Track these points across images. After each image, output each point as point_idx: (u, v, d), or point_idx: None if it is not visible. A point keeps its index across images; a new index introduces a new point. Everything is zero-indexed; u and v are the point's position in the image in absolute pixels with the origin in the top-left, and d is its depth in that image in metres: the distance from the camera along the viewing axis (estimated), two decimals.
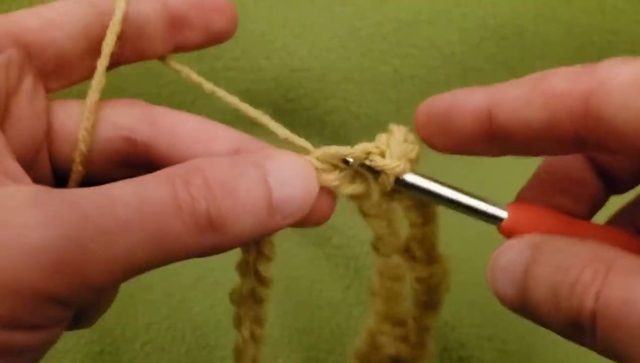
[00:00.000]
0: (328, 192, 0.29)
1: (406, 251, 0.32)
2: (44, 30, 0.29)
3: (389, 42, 0.55)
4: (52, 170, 0.30)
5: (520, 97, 0.26)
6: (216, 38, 0.32)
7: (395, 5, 0.55)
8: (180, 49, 0.32)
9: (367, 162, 0.29)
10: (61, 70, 0.30)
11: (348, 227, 0.50)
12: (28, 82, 0.29)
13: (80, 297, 0.24)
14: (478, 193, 0.29)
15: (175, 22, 0.31)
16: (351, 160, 0.29)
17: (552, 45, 0.57)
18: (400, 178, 0.29)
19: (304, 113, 0.55)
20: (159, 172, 0.26)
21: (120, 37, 0.30)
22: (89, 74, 0.30)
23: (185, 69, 0.32)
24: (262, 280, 0.31)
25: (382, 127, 0.30)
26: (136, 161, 0.30)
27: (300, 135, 0.30)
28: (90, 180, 0.30)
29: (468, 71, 0.56)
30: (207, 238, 0.25)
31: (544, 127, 0.25)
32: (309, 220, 0.28)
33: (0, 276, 0.22)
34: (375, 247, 0.31)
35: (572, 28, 0.56)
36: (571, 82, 0.25)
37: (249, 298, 0.31)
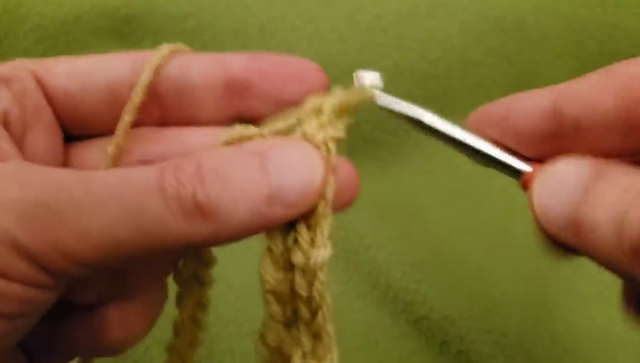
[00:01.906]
0: (350, 175, 0.28)
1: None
2: (63, 77, 0.29)
3: (389, 35, 0.55)
4: None
5: (592, 88, 0.25)
6: (286, 103, 0.29)
7: None
8: (246, 117, 0.30)
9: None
10: (83, 122, 0.30)
11: (347, 222, 0.50)
12: (45, 118, 0.29)
13: (58, 263, 0.23)
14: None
15: (235, 90, 0.29)
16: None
17: (553, 39, 0.56)
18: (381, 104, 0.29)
19: None
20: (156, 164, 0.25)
21: (159, 101, 0.29)
22: (111, 131, 0.30)
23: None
24: (205, 261, 0.30)
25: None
26: None
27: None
28: None
29: (468, 64, 0.56)
30: (198, 227, 0.24)
31: (619, 115, 0.24)
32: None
33: None
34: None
35: (573, 21, 0.56)
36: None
37: (192, 279, 0.31)
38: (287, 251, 0.28)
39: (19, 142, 0.28)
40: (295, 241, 0.27)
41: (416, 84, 0.55)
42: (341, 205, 0.28)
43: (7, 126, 0.28)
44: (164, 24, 0.52)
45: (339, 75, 0.55)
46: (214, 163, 0.25)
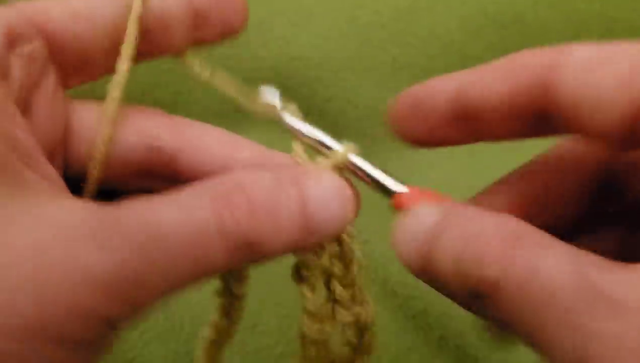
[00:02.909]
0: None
1: (328, 290, 0.30)
2: (70, 23, 0.28)
3: (388, 31, 0.55)
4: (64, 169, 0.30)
5: (487, 73, 0.26)
6: (229, 34, 0.31)
7: None
8: (196, 44, 0.31)
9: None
10: (83, 66, 0.29)
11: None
12: (50, 78, 0.28)
13: (127, 319, 0.24)
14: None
15: (198, 19, 0.30)
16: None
17: (552, 33, 0.56)
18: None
19: (302, 102, 0.55)
20: (200, 189, 0.25)
21: (145, 34, 0.29)
22: (108, 70, 0.29)
23: (199, 66, 0.31)
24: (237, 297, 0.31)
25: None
26: (156, 170, 0.29)
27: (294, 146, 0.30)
28: (104, 185, 0.30)
29: (467, 59, 0.56)
30: (241, 257, 0.25)
31: (506, 101, 0.26)
32: None
33: (61, 298, 0.22)
34: (298, 272, 0.29)
35: (572, 15, 0.56)
36: (533, 57, 0.26)
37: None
38: (324, 305, 0.29)
39: (24, 111, 0.27)
40: (334, 300, 0.29)
41: (415, 79, 0.55)
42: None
43: (18, 100, 0.27)
44: None
45: (338, 70, 0.55)
46: (262, 197, 0.25)
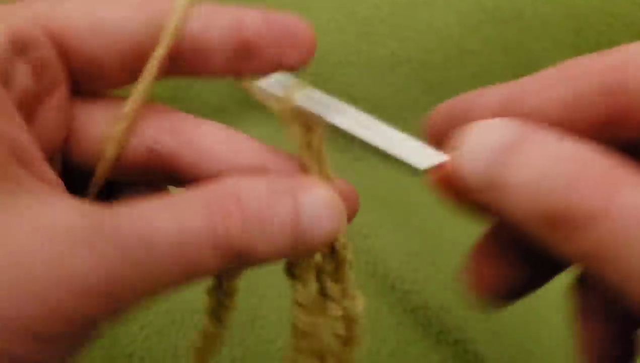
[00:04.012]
0: (349, 191, 0.29)
1: (319, 285, 0.30)
2: (87, 36, 0.27)
3: (387, 25, 0.55)
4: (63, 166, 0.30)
5: (542, 83, 0.25)
6: (288, 68, 0.30)
7: None
8: (242, 75, 0.29)
9: None
10: (96, 77, 0.28)
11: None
12: (61, 88, 0.28)
13: (110, 319, 0.24)
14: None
15: (247, 49, 0.29)
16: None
17: (551, 28, 0.56)
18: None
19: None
20: (194, 195, 0.25)
21: (175, 59, 0.28)
22: (126, 83, 0.29)
23: (257, 90, 0.30)
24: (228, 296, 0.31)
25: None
26: (157, 170, 0.29)
27: None
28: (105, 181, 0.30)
29: (466, 54, 0.56)
30: (230, 264, 0.25)
31: (570, 107, 0.25)
32: None
33: (44, 297, 0.23)
34: (289, 269, 0.30)
35: (571, 10, 0.56)
36: (594, 60, 0.24)
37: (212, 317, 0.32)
38: (315, 299, 0.29)
39: (30, 119, 0.27)
40: (325, 294, 0.29)
41: (413, 73, 0.55)
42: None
43: (21, 106, 0.26)
44: None
45: (337, 65, 0.55)
46: (255, 206, 0.25)
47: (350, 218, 0.29)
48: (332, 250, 0.29)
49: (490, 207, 0.24)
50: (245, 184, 0.26)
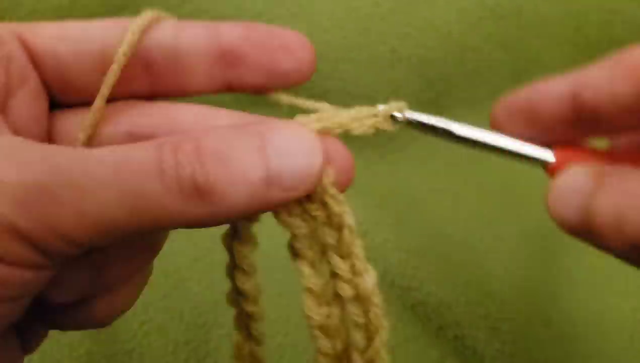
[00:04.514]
0: (345, 160, 0.28)
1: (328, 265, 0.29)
2: (55, 42, 0.28)
3: (387, 22, 0.55)
4: None
5: (604, 74, 0.26)
6: (286, 79, 0.29)
7: None
8: (236, 87, 0.30)
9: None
10: (70, 84, 0.29)
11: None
12: (31, 84, 0.28)
13: (55, 245, 0.24)
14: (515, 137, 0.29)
15: (228, 59, 0.29)
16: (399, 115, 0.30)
17: (551, 25, 0.56)
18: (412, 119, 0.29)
19: (301, 93, 0.55)
20: (152, 140, 0.25)
21: (147, 67, 0.29)
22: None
23: (287, 102, 0.30)
24: (246, 273, 0.30)
25: None
26: None
27: (297, 116, 0.30)
28: None
29: (466, 51, 0.55)
30: (195, 207, 0.24)
31: (632, 100, 0.26)
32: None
33: None
34: (293, 248, 0.28)
35: (571, 7, 0.56)
36: None
37: (239, 297, 0.30)
38: (326, 284, 0.28)
39: (1, 109, 0.27)
40: (334, 274, 0.28)
41: (414, 70, 0.55)
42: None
43: None
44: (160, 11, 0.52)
45: (337, 62, 0.55)
46: (214, 143, 0.25)
47: (343, 188, 0.28)
48: (326, 212, 0.28)
49: (589, 243, 0.27)
50: (208, 130, 0.26)
